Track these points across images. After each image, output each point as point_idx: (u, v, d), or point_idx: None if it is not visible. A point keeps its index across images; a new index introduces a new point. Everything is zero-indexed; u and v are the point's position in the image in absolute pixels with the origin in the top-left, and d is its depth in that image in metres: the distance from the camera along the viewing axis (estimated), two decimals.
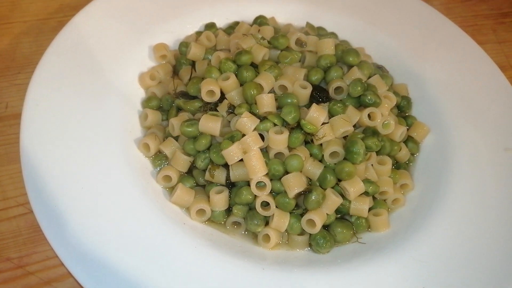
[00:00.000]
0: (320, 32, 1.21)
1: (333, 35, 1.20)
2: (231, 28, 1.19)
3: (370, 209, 0.93)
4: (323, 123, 0.91)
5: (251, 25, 1.18)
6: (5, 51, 1.21)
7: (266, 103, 0.90)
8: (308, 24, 1.22)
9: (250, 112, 0.91)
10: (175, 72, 1.11)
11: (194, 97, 1.02)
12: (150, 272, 0.78)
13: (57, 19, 1.30)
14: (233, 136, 0.89)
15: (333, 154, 0.90)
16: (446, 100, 1.10)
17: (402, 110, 1.11)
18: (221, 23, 1.22)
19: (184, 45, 1.12)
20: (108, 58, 1.04)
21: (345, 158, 0.90)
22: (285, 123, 0.90)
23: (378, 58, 1.20)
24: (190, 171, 0.97)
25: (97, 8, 1.10)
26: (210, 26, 1.18)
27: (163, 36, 1.14)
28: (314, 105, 0.90)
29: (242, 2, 1.25)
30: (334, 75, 0.99)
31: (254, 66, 1.00)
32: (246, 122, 0.88)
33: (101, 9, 1.11)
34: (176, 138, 0.98)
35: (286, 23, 1.24)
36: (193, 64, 1.09)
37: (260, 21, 1.19)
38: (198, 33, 1.16)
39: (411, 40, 1.20)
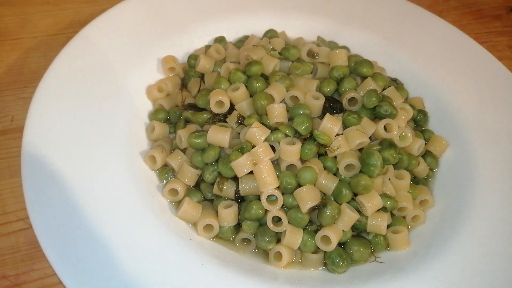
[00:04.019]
0: (332, 46, 1.18)
1: (345, 48, 1.18)
2: (241, 42, 1.18)
3: (388, 227, 0.87)
4: (337, 134, 0.86)
5: (261, 39, 1.16)
6: (13, 65, 1.20)
7: (277, 113, 0.87)
8: (319, 38, 1.20)
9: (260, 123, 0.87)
10: (184, 85, 1.08)
11: (202, 110, 0.98)
12: None
13: (66, 35, 1.30)
14: (242, 148, 0.85)
15: (349, 167, 0.86)
16: (464, 114, 1.06)
17: (419, 124, 1.06)
18: (230, 37, 1.21)
19: (193, 57, 1.10)
20: (115, 70, 1.02)
21: (361, 171, 0.85)
22: (297, 134, 0.86)
23: (391, 72, 1.17)
24: (197, 185, 0.93)
25: (106, 21, 1.09)
26: (220, 40, 1.17)
27: (172, 49, 1.13)
28: (328, 115, 0.87)
29: (252, 17, 1.23)
30: (348, 86, 0.95)
31: (265, 77, 0.97)
32: (256, 132, 0.84)
33: (110, 22, 1.10)
34: (184, 151, 0.94)
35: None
36: (202, 76, 1.06)
37: (270, 34, 1.17)
38: (208, 47, 1.14)
39: (425, 53, 1.17)
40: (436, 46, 1.18)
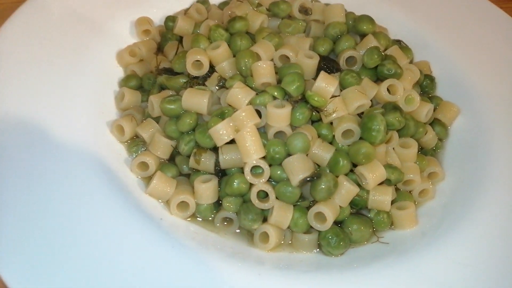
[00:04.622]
0: None
1: None
2: (225, 4, 1.05)
3: (392, 203, 0.77)
4: (333, 96, 0.75)
5: None
6: None
7: (264, 71, 0.75)
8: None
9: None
10: (160, 50, 0.97)
11: (179, 74, 0.86)
12: (118, 281, 0.62)
13: None
14: (223, 112, 0.74)
15: (347, 133, 0.75)
16: (474, 79, 0.97)
17: (425, 91, 0.95)
18: (215, 1, 1.08)
19: (170, 19, 0.98)
20: (80, 33, 0.91)
21: (361, 138, 0.74)
22: (287, 97, 0.75)
23: (393, 36, 1.05)
24: (172, 159, 0.82)
25: None
26: (203, 2, 1.04)
27: (148, 12, 1.01)
28: (322, 72, 0.75)
29: None
30: (345, 45, 0.84)
31: (251, 37, 0.85)
32: (239, 93, 0.73)
33: None
34: (157, 120, 0.83)
35: None
36: (180, 40, 0.94)
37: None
38: (188, 10, 1.02)
39: (430, 14, 1.07)
40: (442, 5, 1.07)
